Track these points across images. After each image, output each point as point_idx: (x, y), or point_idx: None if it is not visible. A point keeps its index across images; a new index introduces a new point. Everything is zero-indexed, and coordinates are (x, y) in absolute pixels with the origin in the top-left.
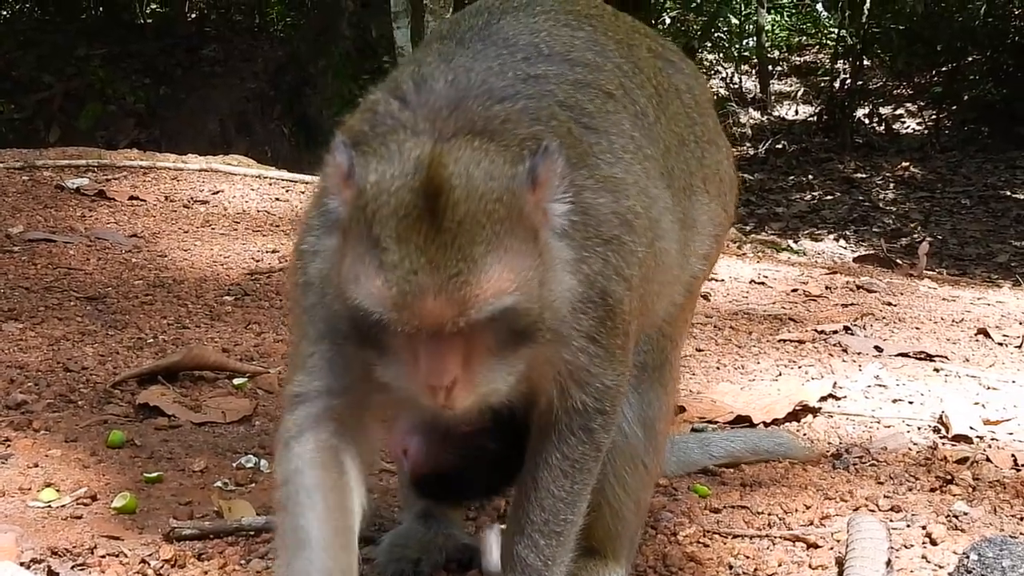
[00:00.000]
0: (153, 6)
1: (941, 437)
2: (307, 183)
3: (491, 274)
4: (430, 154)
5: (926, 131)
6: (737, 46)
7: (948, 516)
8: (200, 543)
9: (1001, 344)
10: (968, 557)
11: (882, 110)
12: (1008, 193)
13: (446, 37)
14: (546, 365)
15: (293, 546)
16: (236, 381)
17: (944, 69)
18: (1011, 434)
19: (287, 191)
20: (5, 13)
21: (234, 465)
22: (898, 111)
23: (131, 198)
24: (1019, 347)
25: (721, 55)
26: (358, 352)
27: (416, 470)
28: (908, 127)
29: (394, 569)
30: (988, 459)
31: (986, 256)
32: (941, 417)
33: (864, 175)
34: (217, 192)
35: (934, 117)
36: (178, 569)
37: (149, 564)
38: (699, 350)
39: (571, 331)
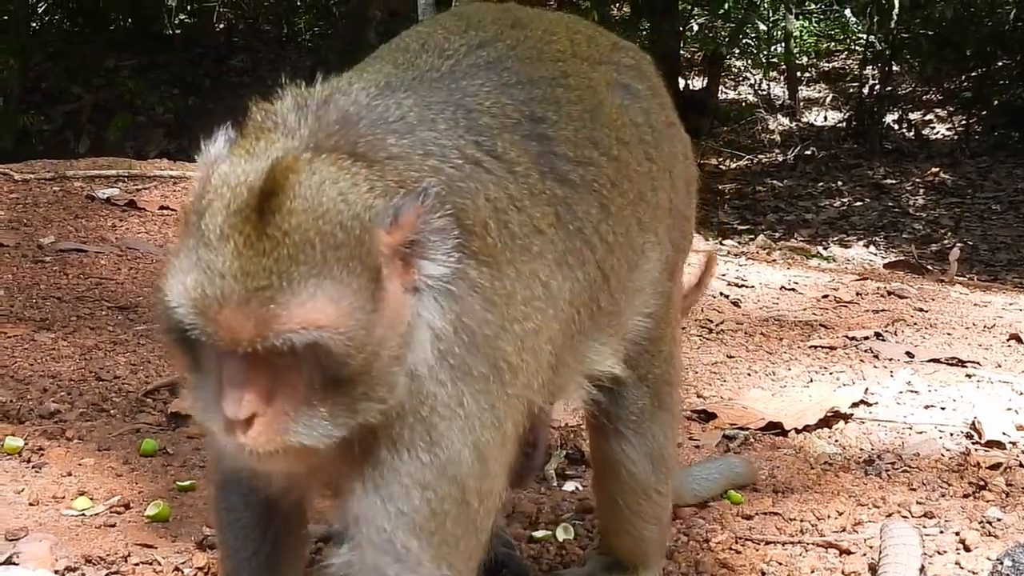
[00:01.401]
0: (181, 17)
1: (974, 443)
2: None
3: (304, 299)
4: (286, 158)
5: (956, 136)
6: (765, 52)
7: (981, 522)
8: None
9: None
10: (1002, 563)
11: (911, 115)
12: None
13: (402, 65)
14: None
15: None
16: None
17: (974, 74)
18: None
19: None
20: (34, 25)
21: None
22: (927, 116)
23: (161, 208)
24: None
25: (749, 61)
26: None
27: None
28: (938, 132)
29: None
30: (1021, 464)
31: (1017, 262)
32: (973, 423)
33: (894, 181)
34: None
35: (964, 122)
36: None
37: (182, 572)
38: (730, 356)
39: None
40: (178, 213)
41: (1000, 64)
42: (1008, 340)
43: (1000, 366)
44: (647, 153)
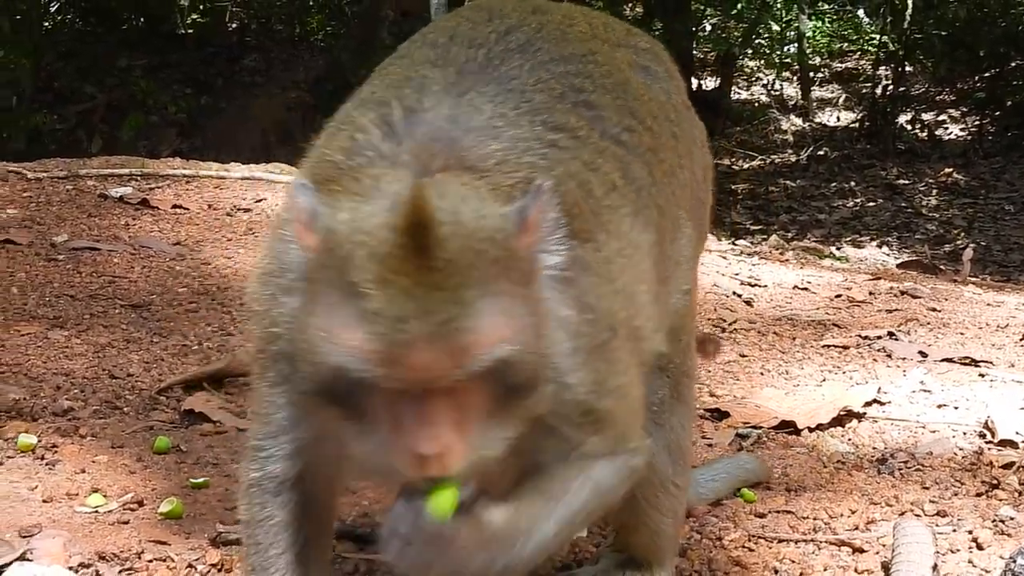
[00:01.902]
0: (193, 16)
1: (987, 442)
2: None
3: (487, 320)
4: (412, 188)
5: (969, 137)
6: (778, 53)
7: (994, 521)
8: None
9: None
10: (1015, 561)
11: (924, 116)
12: None
13: (438, 64)
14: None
15: None
16: None
17: (987, 74)
18: None
19: None
20: (46, 24)
21: None
22: (941, 117)
23: (174, 206)
24: None
25: (762, 62)
26: (327, 420)
27: None
28: (951, 133)
29: None
30: None
31: None
32: (986, 422)
33: (907, 181)
34: (260, 200)
35: (977, 123)
36: (224, 573)
37: (196, 568)
38: (743, 355)
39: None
40: (192, 211)
41: (1014, 65)
42: (1021, 340)
43: (1013, 365)
44: (672, 131)
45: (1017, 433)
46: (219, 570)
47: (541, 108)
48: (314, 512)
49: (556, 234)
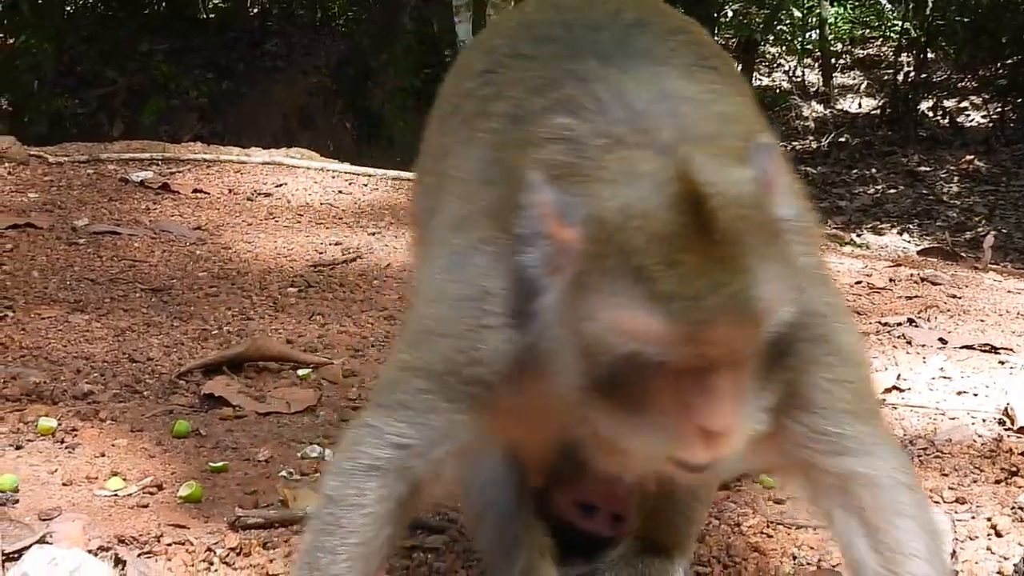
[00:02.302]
0: (215, 1)
1: (1006, 429)
2: (370, 176)
3: (770, 285)
4: (673, 166)
5: (991, 124)
6: (800, 39)
7: (1013, 508)
8: (265, 532)
9: None
10: None
11: (946, 103)
12: None
13: (575, 55)
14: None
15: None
16: (300, 372)
17: (1009, 61)
18: None
19: (350, 184)
20: (68, 9)
21: (299, 455)
22: (962, 104)
23: (195, 191)
24: None
25: (784, 48)
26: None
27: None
28: (972, 120)
29: None
30: None
31: None
32: (1006, 409)
33: (928, 168)
34: (280, 185)
35: (999, 110)
36: (243, 557)
37: (215, 552)
38: None
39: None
40: (213, 196)
41: None
42: None
43: None
44: None
45: None
46: (238, 554)
47: (698, 74)
48: (404, 520)
49: (787, 187)
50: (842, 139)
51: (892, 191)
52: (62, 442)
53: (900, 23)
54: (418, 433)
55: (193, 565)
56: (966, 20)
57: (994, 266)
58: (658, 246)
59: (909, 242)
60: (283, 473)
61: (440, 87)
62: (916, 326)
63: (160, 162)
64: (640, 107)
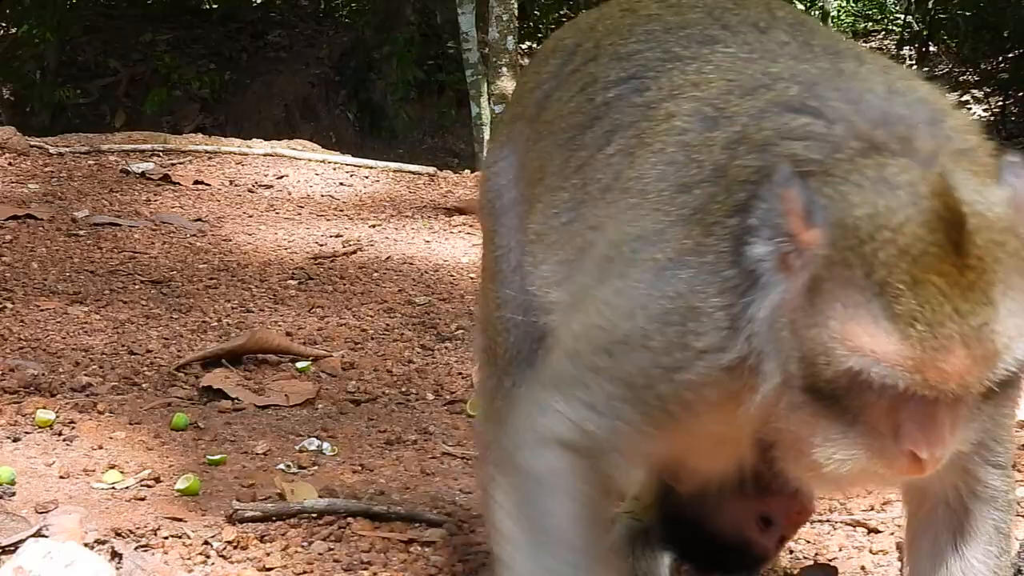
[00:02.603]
0: None
1: None
2: (371, 168)
3: (1014, 321)
4: (933, 181)
5: (992, 117)
6: None
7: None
8: (263, 525)
9: None
10: None
11: (948, 96)
12: None
13: (764, 56)
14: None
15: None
16: (299, 364)
17: (1011, 55)
18: None
19: (351, 176)
20: None
21: (296, 448)
22: (964, 97)
23: (196, 182)
24: None
25: None
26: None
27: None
28: (974, 114)
29: None
30: None
31: None
32: None
33: None
34: (281, 177)
35: (1000, 104)
36: (240, 551)
37: (212, 545)
38: None
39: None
40: (214, 187)
41: None
42: None
43: None
44: None
45: None
46: (235, 547)
47: (896, 71)
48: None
49: None
50: None
51: None
52: (60, 434)
53: (902, 16)
54: (602, 430)
55: (190, 558)
56: (968, 14)
57: None
58: (907, 263)
59: None
60: (281, 466)
61: (521, 104)
62: None
63: (161, 153)
64: (893, 111)
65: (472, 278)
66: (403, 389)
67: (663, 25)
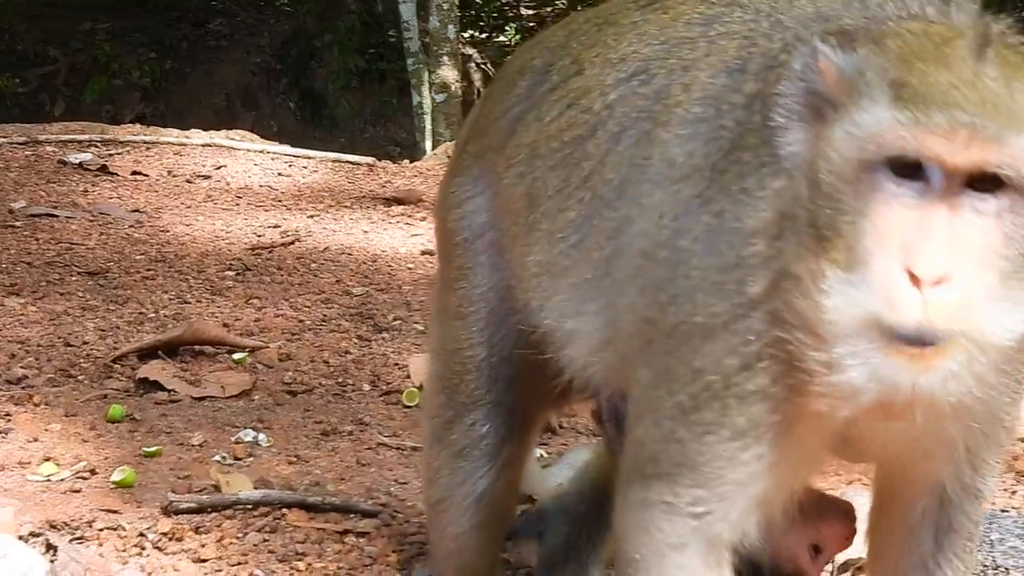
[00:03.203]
0: None
1: None
2: (310, 158)
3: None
4: (972, 20)
5: None
6: None
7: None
8: (198, 516)
9: None
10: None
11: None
12: None
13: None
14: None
15: None
16: (236, 356)
17: None
18: None
19: (290, 166)
20: None
21: (232, 439)
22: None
23: (134, 173)
24: None
25: None
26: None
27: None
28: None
29: None
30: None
31: None
32: None
33: None
34: (220, 167)
35: None
36: (175, 542)
37: (147, 537)
38: None
39: None
40: (152, 178)
41: None
42: None
43: None
44: None
45: None
46: (170, 539)
47: None
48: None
49: None
50: None
51: None
52: None
53: None
54: (713, 494)
55: (125, 550)
56: None
57: None
58: (928, 50)
59: None
60: (216, 457)
61: (488, 135)
62: None
63: (99, 144)
64: (930, 5)
65: (410, 268)
66: (339, 380)
67: (657, 24)
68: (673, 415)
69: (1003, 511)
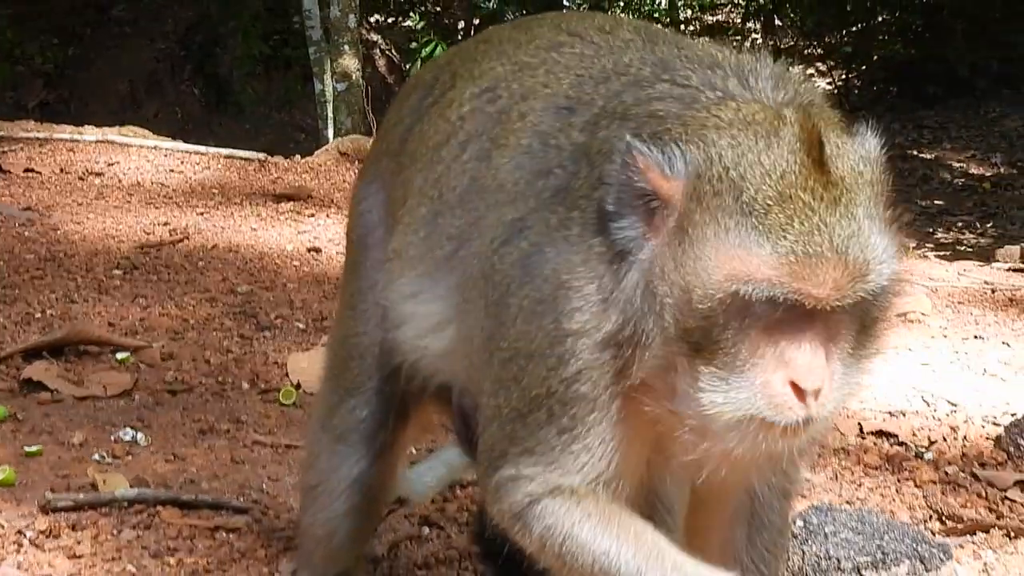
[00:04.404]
0: None
1: None
2: (202, 154)
3: (880, 238)
4: (790, 113)
5: (836, 91)
6: (648, 5)
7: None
8: (75, 514)
9: None
10: (795, 523)
11: (793, 69)
12: (915, 152)
13: (591, 57)
14: None
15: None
16: (119, 355)
17: (854, 29)
18: (862, 402)
19: (182, 163)
20: None
21: (112, 438)
22: (808, 71)
23: (26, 170)
24: None
25: (632, 14)
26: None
27: None
28: (819, 86)
29: None
30: (836, 427)
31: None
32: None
33: None
34: (112, 164)
35: (844, 77)
36: (52, 539)
37: (25, 535)
38: None
39: None
40: (44, 176)
41: (880, 19)
42: None
43: None
44: None
45: None
46: (47, 536)
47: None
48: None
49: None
50: None
51: None
52: None
53: None
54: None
55: (3, 547)
56: None
57: None
58: (772, 181)
59: None
60: (96, 456)
61: (385, 140)
62: None
63: None
64: (745, 71)
65: (296, 266)
66: (219, 379)
67: (514, 44)
68: (512, 418)
69: (838, 507)
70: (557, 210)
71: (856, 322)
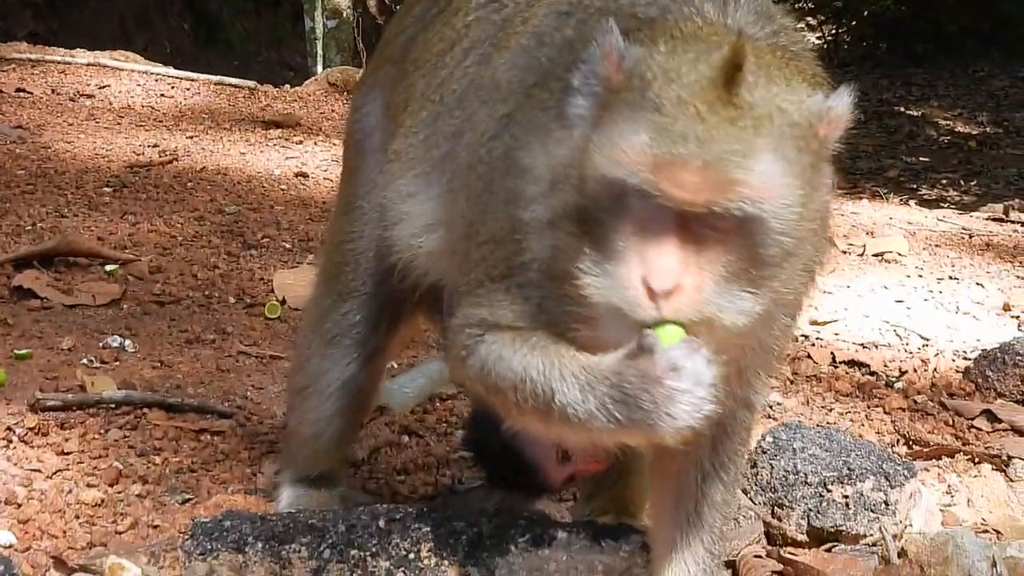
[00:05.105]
0: None
1: None
2: (193, 80)
3: (765, 168)
4: (736, 41)
5: (825, 45)
6: None
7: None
8: (63, 414)
9: (845, 252)
10: (764, 439)
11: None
12: (901, 109)
13: None
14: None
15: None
16: (108, 267)
17: None
18: (836, 334)
19: (172, 88)
20: None
21: (100, 344)
22: (799, 25)
23: (18, 90)
24: (861, 255)
25: None
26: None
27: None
28: (808, 39)
29: None
30: (809, 356)
31: (877, 171)
32: None
33: None
34: (104, 87)
35: (833, 32)
36: (41, 436)
37: (14, 432)
38: None
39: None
40: (36, 96)
41: None
42: None
43: None
44: None
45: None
46: (36, 433)
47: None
48: None
49: (839, 138)
50: None
51: None
52: None
53: None
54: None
55: None
56: None
57: None
58: (679, 86)
59: None
60: (84, 361)
61: (388, 49)
62: None
63: None
64: (730, 6)
65: (283, 189)
66: (206, 292)
67: None
68: (474, 287)
69: (783, 425)
70: (539, 95)
71: (741, 248)
